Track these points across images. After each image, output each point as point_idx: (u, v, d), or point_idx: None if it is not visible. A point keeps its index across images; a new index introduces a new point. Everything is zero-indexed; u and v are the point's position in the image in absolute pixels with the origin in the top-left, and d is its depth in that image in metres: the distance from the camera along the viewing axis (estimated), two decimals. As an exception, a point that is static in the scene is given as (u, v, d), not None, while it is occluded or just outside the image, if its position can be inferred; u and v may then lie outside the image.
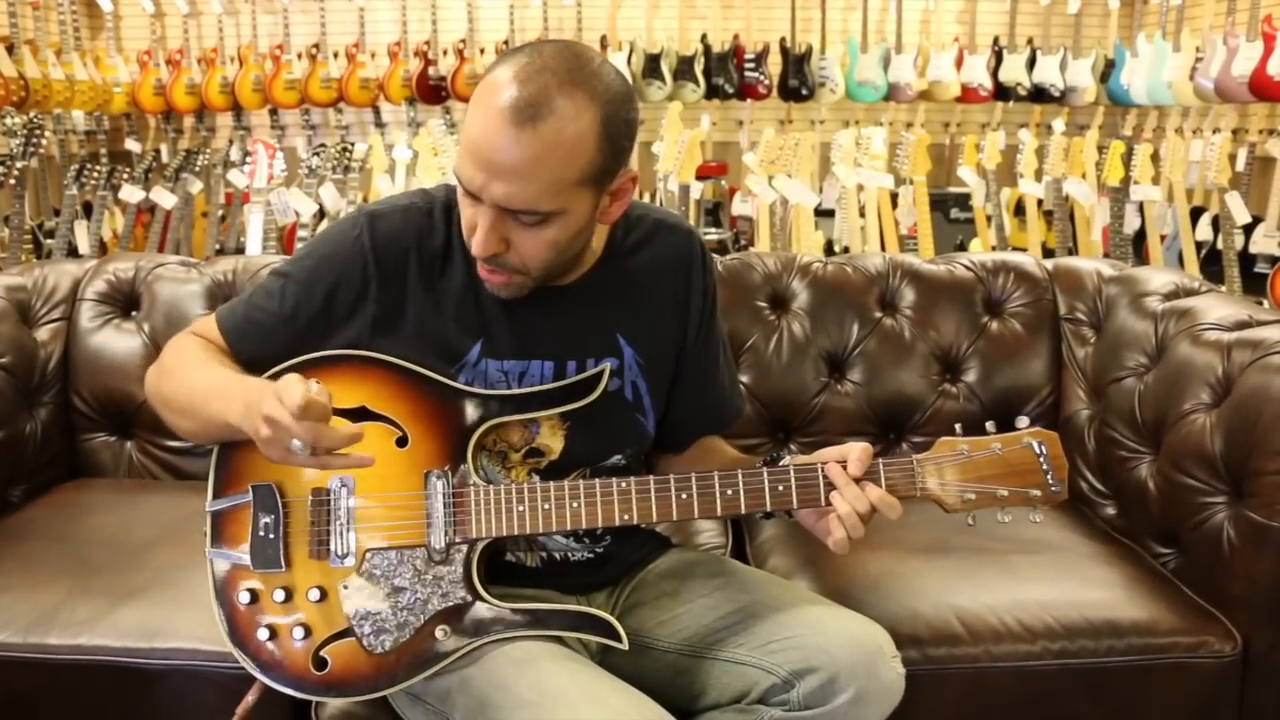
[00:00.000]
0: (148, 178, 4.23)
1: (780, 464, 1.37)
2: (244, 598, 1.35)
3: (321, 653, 1.33)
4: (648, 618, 1.48)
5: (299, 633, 1.33)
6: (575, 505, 1.33)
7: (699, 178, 5.16)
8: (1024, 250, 4.56)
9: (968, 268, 2.23)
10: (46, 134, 3.98)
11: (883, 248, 4.06)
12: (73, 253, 3.94)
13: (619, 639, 1.32)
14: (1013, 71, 5.64)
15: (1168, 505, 1.78)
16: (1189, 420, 1.76)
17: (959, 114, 5.90)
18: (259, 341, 1.42)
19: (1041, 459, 1.34)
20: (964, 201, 5.26)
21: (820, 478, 1.33)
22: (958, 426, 1.37)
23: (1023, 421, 1.37)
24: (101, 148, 5.32)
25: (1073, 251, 4.27)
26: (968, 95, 5.63)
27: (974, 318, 2.18)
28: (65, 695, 1.57)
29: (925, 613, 1.60)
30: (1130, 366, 1.97)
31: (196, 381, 1.37)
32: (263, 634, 1.34)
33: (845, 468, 1.33)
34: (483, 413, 1.36)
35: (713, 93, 5.64)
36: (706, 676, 1.40)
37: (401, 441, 1.35)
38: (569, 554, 1.47)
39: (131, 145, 5.41)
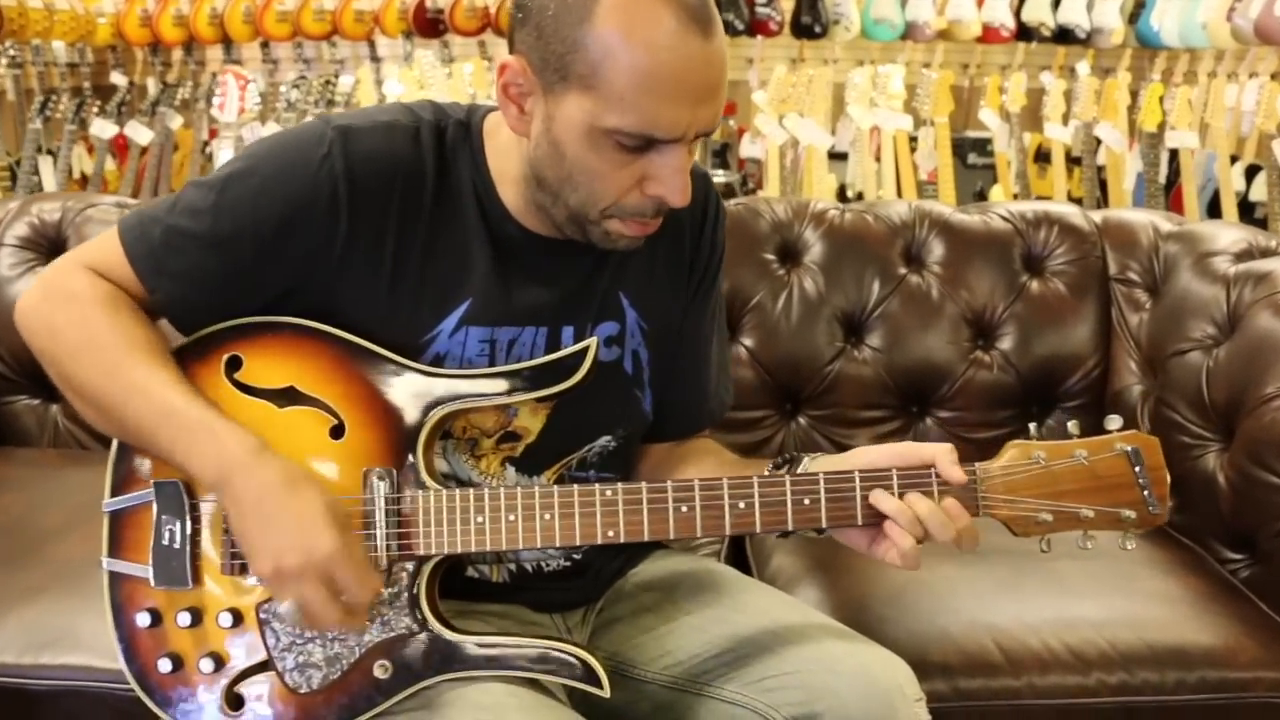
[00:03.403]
0: (121, 111, 3.89)
1: (799, 469, 1.08)
2: (143, 619, 1.07)
3: (236, 689, 1.06)
4: (624, 637, 1.21)
5: (207, 665, 1.06)
6: (547, 517, 1.04)
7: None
8: (1046, 199, 4.21)
9: (1005, 219, 1.91)
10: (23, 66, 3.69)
11: (899, 194, 3.73)
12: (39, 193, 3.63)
13: (599, 685, 1.04)
14: (1036, 11, 5.25)
15: (1242, 504, 1.48)
16: (1273, 406, 1.45)
17: (979, 55, 5.52)
18: (183, 277, 1.08)
19: (1138, 470, 1.04)
20: (982, 146, 4.91)
21: (857, 493, 1.04)
22: (1032, 427, 1.08)
23: (1113, 422, 1.05)
24: (85, 81, 4.98)
25: (1102, 202, 3.92)
26: (989, 35, 5.24)
27: (1011, 276, 1.87)
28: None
29: (957, 634, 1.31)
30: (1196, 338, 1.66)
31: (128, 388, 1.03)
32: (164, 664, 1.07)
33: (893, 480, 1.04)
34: (439, 398, 1.06)
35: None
36: (697, 716, 1.13)
37: (336, 432, 1.07)
38: (542, 564, 1.19)
39: (117, 79, 5.06)
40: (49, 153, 3.78)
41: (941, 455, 1.03)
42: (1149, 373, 1.77)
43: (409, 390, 1.07)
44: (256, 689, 1.06)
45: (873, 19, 5.21)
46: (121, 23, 4.99)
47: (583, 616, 1.24)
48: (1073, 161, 4.17)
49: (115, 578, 1.09)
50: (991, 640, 1.31)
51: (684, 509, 1.04)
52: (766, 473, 1.07)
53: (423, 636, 1.04)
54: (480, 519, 1.04)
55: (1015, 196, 4.11)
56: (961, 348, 1.84)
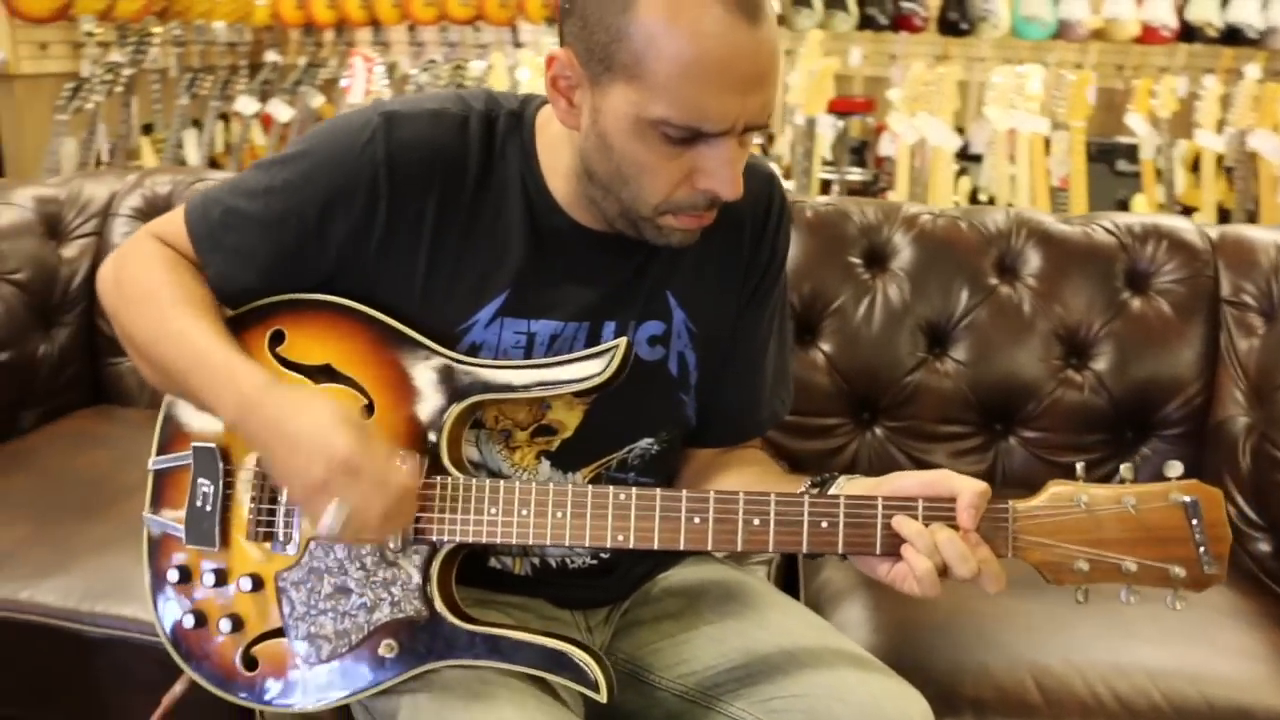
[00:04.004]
0: (265, 90, 4.06)
1: (832, 490, 1.04)
2: (173, 575, 1.12)
3: (252, 651, 1.09)
4: (644, 641, 1.19)
5: (226, 624, 1.09)
6: (559, 515, 1.03)
7: (840, 113, 4.73)
8: (1193, 210, 3.96)
9: (1110, 231, 1.80)
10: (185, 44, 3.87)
11: (1032, 200, 3.58)
12: (181, 165, 3.83)
13: (597, 690, 1.01)
14: (1203, 9, 4.93)
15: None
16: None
17: (1136, 56, 5.24)
18: (234, 255, 1.11)
19: (1195, 525, 0.95)
20: (1134, 153, 4.65)
21: (878, 520, 0.99)
22: (1079, 466, 0.99)
23: (1173, 469, 0.96)
24: (242, 60, 5.22)
25: (1254, 216, 3.67)
26: (1148, 35, 4.96)
27: (1112, 292, 1.76)
28: (7, 653, 1.39)
29: (996, 670, 1.24)
30: (1309, 370, 1.53)
31: (171, 335, 1.07)
32: (189, 620, 1.11)
33: (918, 510, 0.98)
34: (466, 387, 1.06)
35: (865, 23, 5.14)
36: None
37: (366, 412, 1.08)
38: (568, 560, 1.17)
39: (271, 58, 5.29)
40: (196, 125, 3.98)
41: (966, 491, 0.96)
42: (1256, 404, 1.65)
43: (438, 377, 1.07)
44: (269, 653, 1.08)
45: (1022, 16, 5.00)
46: (278, 4, 5.21)
47: (606, 616, 1.22)
48: (1228, 171, 3.91)
49: (153, 531, 1.14)
50: (1032, 679, 1.24)
51: (696, 520, 1.01)
52: (800, 491, 1.03)
53: (430, 622, 1.05)
54: (494, 510, 1.03)
55: (1160, 207, 3.89)
56: (1051, 365, 1.75)
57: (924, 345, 1.78)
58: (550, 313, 1.11)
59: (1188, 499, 0.95)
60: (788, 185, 3.93)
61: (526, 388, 1.07)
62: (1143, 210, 3.82)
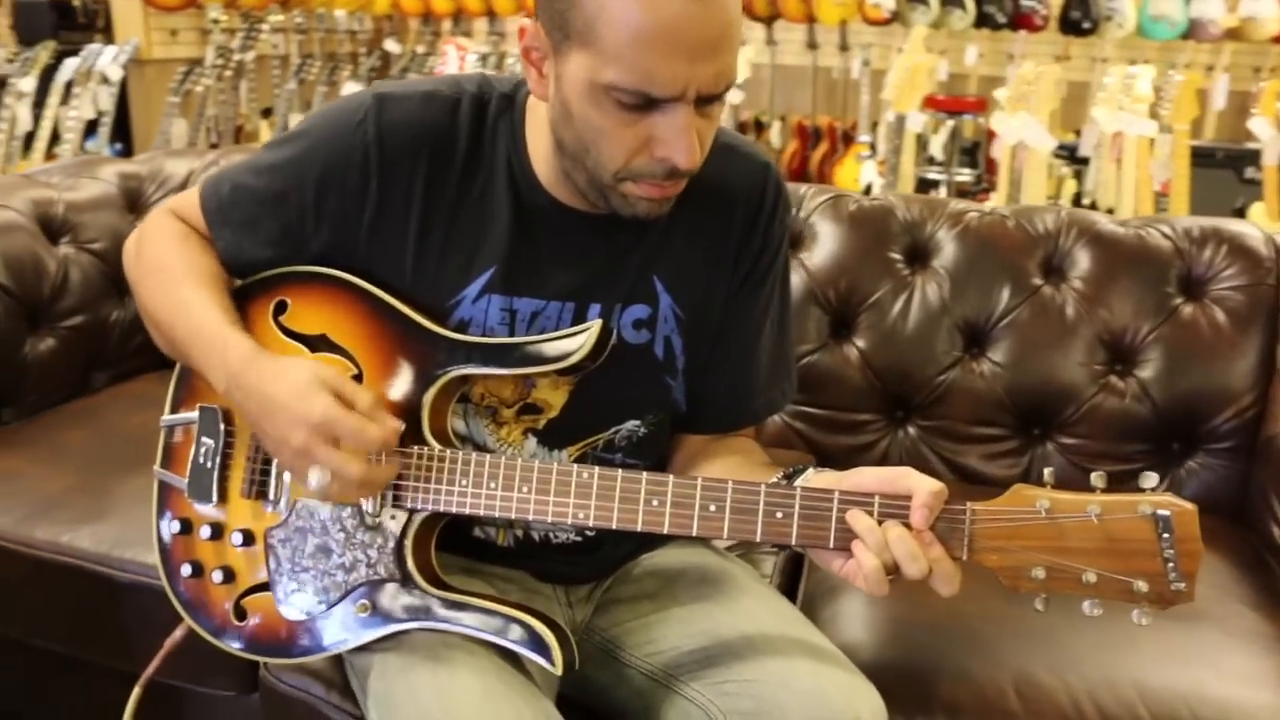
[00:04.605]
0: (371, 77, 4.21)
1: (798, 482, 1.04)
2: (175, 526, 1.19)
3: (242, 602, 1.16)
4: (619, 619, 1.21)
5: (218, 576, 1.16)
6: (525, 491, 1.06)
7: (950, 112, 4.63)
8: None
9: (1166, 235, 1.74)
10: (307, 32, 4.03)
11: (1136, 206, 3.45)
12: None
13: (551, 660, 1.04)
14: (1353, 8, 4.65)
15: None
16: None
17: (1274, 57, 4.96)
18: (240, 229, 1.18)
19: (1164, 539, 0.92)
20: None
21: (833, 514, 0.99)
22: (1047, 472, 0.97)
23: (1148, 480, 0.93)
24: (361, 48, 5.41)
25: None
26: (1288, 36, 4.70)
27: (1162, 298, 1.70)
28: (46, 591, 1.50)
29: (978, 674, 1.22)
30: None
31: (177, 305, 1.15)
32: (186, 569, 1.18)
33: (874, 506, 0.98)
34: (448, 361, 1.11)
35: (983, 21, 5.00)
36: (661, 708, 1.13)
37: (355, 381, 1.12)
38: (550, 535, 1.21)
39: (391, 46, 5.46)
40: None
41: (921, 490, 0.96)
42: (1309, 421, 1.57)
43: (422, 350, 1.11)
44: (258, 606, 1.15)
45: (1150, 16, 4.80)
46: (407, -6, 5.38)
47: (588, 593, 1.25)
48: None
49: (163, 486, 1.22)
50: (1013, 687, 1.21)
51: (654, 503, 1.02)
52: (772, 481, 1.04)
53: (402, 586, 1.09)
54: (465, 482, 1.07)
55: (1283, 217, 3.69)
56: (1093, 371, 1.70)
57: (961, 344, 1.76)
58: (534, 291, 1.13)
59: (1159, 512, 0.92)
60: (879, 183, 3.88)
61: (505, 364, 1.10)
62: (1259, 220, 3.64)
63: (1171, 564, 0.93)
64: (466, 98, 1.14)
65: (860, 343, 1.78)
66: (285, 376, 1.04)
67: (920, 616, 1.34)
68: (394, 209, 1.12)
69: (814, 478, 1.05)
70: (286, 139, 1.17)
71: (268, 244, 1.17)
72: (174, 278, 1.15)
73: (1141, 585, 0.94)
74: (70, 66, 4.01)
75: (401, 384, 1.11)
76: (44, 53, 4.00)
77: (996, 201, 3.61)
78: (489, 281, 1.13)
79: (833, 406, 1.78)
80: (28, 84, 3.91)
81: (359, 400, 1.03)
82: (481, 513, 1.08)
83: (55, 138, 4.07)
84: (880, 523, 0.97)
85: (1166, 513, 0.92)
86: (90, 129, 4.22)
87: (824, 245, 1.82)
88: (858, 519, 0.97)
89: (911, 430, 1.78)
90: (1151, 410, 1.67)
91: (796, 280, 1.79)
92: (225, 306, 1.13)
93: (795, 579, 1.51)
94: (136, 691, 1.27)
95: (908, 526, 0.96)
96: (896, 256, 1.80)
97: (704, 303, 1.18)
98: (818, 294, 1.80)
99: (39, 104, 4.04)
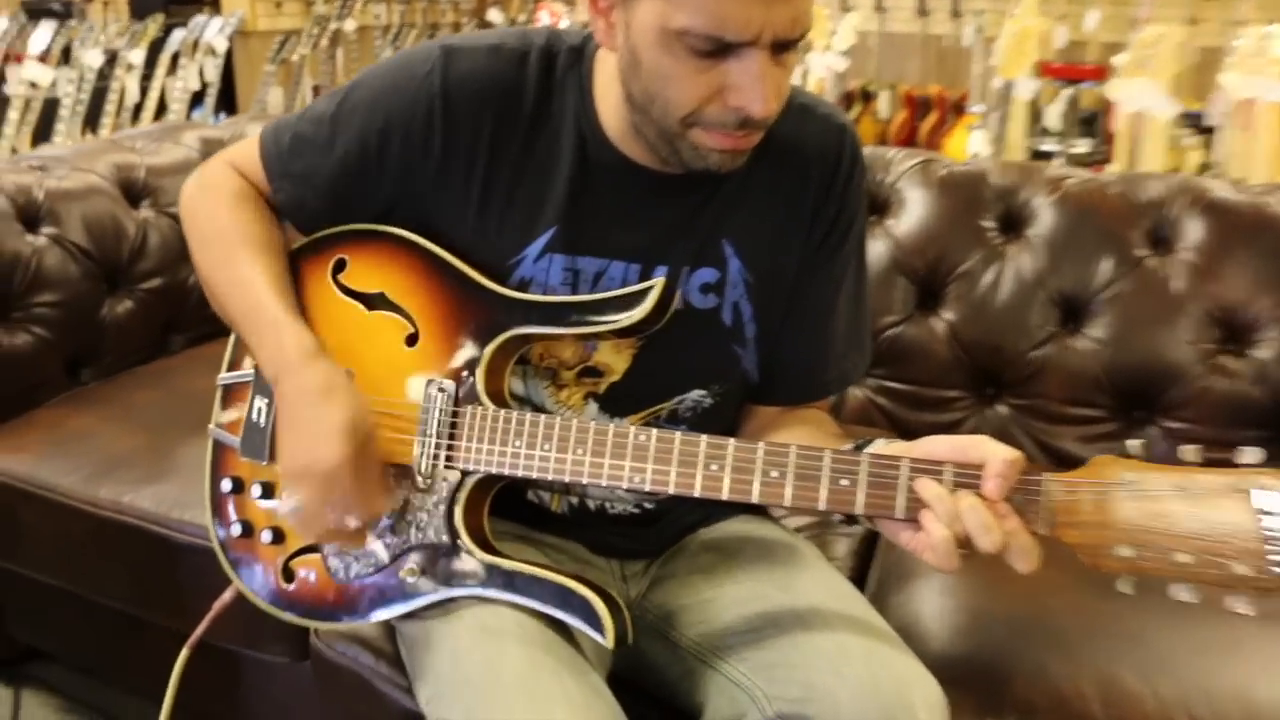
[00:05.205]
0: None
1: (867, 451, 0.98)
2: (227, 485, 1.19)
3: (290, 564, 1.15)
4: (674, 595, 1.17)
5: (267, 536, 1.15)
6: (579, 452, 1.02)
7: (1067, 80, 4.42)
8: None
9: (1292, 202, 1.60)
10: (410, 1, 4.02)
11: (1270, 178, 3.23)
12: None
13: (602, 634, 1.00)
14: None
15: None
16: None
17: None
18: (300, 180, 1.16)
19: (1264, 520, 0.83)
20: None
21: (901, 481, 0.92)
22: (1132, 445, 0.88)
23: (1247, 455, 0.84)
24: (464, 17, 5.43)
25: None
26: None
27: (1283, 271, 1.57)
28: (109, 549, 1.52)
29: (1056, 674, 1.13)
30: None
31: (232, 277, 1.13)
32: (236, 529, 1.18)
33: (945, 474, 0.91)
34: (506, 320, 1.07)
35: (1107, -17, 4.77)
36: (707, 689, 1.08)
37: (411, 340, 1.11)
38: (607, 505, 1.17)
39: (493, 15, 5.47)
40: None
41: (995, 459, 0.88)
42: None
43: (481, 309, 1.08)
44: (305, 568, 1.13)
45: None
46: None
47: (645, 567, 1.21)
48: None
49: (217, 444, 1.21)
50: (1096, 690, 1.11)
51: (714, 467, 0.97)
52: (841, 449, 0.98)
53: (451, 550, 1.06)
54: (518, 443, 1.04)
55: None
56: (1203, 350, 1.58)
57: (1057, 318, 1.66)
58: (597, 250, 1.10)
59: (1260, 492, 0.83)
60: (987, 150, 3.72)
61: (564, 324, 1.06)
62: None
63: (1273, 546, 0.83)
64: (535, 50, 1.11)
65: (948, 314, 1.70)
66: (328, 402, 1.03)
67: (997, 607, 1.25)
68: (458, 163, 1.10)
69: (884, 447, 0.98)
70: (349, 89, 1.15)
71: (329, 195, 1.15)
72: (229, 249, 1.14)
73: (1242, 569, 0.84)
74: (177, 38, 4.11)
75: (458, 343, 1.08)
76: (153, 25, 4.11)
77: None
78: (551, 240, 1.10)
79: (918, 381, 1.72)
80: (136, 56, 4.01)
81: (370, 473, 1.05)
82: (535, 475, 1.04)
83: (163, 109, 4.18)
84: (952, 492, 0.89)
85: (1272, 491, 0.83)
86: (196, 100, 4.33)
87: (912, 212, 1.74)
88: (927, 487, 0.90)
89: (1002, 408, 1.69)
90: (1268, 394, 1.54)
91: (882, 248, 1.73)
92: (284, 286, 1.12)
93: (868, 561, 1.45)
94: (185, 652, 1.27)
95: (981, 497, 0.88)
96: (989, 224, 1.71)
97: (776, 268, 1.13)
98: (904, 263, 1.72)
99: (147, 76, 4.15)
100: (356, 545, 1.09)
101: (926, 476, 0.91)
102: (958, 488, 0.90)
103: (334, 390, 1.04)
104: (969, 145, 4.16)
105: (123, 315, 1.89)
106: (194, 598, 1.44)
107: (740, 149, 1.01)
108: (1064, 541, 0.88)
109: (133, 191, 1.96)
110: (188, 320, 2.00)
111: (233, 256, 1.13)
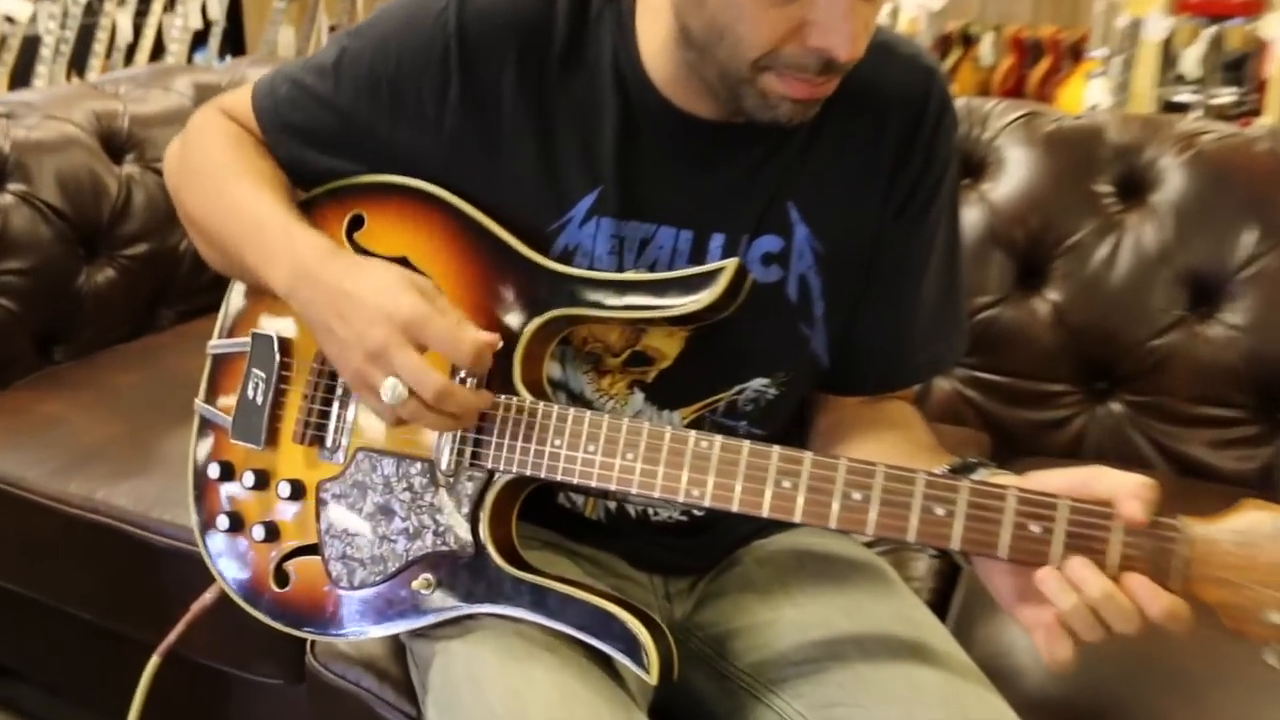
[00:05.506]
0: None
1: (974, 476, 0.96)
2: (214, 470, 1.18)
3: (285, 565, 1.14)
4: (724, 616, 1.16)
5: (259, 532, 1.14)
6: (629, 458, 0.99)
7: (1211, 17, 4.33)
8: None
9: None
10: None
11: None
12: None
13: (645, 667, 0.97)
14: None
15: None
16: None
17: None
18: (302, 133, 1.17)
19: None
20: None
21: (1008, 514, 0.88)
22: None
23: None
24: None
25: None
26: None
27: None
28: (81, 550, 1.54)
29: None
30: None
31: (227, 204, 1.14)
32: (223, 521, 1.17)
33: (1058, 515, 0.87)
34: (550, 298, 1.06)
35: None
36: None
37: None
38: (650, 511, 1.16)
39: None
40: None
41: (1125, 491, 0.85)
42: None
43: (521, 282, 1.07)
44: (301, 570, 1.12)
45: None
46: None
47: (691, 585, 1.20)
48: None
49: (204, 423, 1.21)
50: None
51: (786, 484, 0.94)
52: (936, 472, 0.95)
53: (474, 559, 1.04)
54: (558, 443, 1.01)
55: None
56: (1365, 341, 1.54)
57: (1184, 301, 1.65)
58: (643, 214, 1.08)
59: None
60: (1107, 102, 3.65)
61: (615, 308, 1.04)
62: None
63: None
64: None
65: (1053, 295, 1.70)
66: (369, 271, 1.01)
67: (1106, 642, 1.21)
68: (482, 113, 1.09)
69: (989, 477, 0.95)
70: (354, 33, 1.15)
71: (334, 151, 1.15)
72: (224, 179, 1.14)
73: None
74: (176, -30, 4.15)
75: (490, 322, 1.06)
76: (147, -46, 4.15)
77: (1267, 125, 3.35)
78: (596, 202, 1.08)
79: (1016, 373, 1.72)
80: (128, -12, 4.06)
81: (451, 312, 1.00)
82: (576, 480, 1.01)
83: (160, 50, 4.22)
84: (1070, 541, 0.86)
85: None
86: (199, 40, 4.37)
87: (1012, 173, 1.73)
88: (1046, 580, 0.86)
89: (1116, 407, 1.69)
90: None
91: (976, 216, 1.73)
92: (290, 206, 1.11)
93: (952, 582, 1.43)
94: (155, 660, 1.27)
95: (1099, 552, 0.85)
96: (1105, 189, 1.71)
97: (849, 235, 1.11)
98: (1002, 234, 1.72)
99: (141, 13, 4.19)
100: (479, 402, 1.02)
101: (1038, 523, 0.86)
102: (1076, 530, 0.86)
103: (370, 262, 1.04)
104: (1086, 96, 4.09)
105: (102, 285, 1.91)
106: (174, 607, 1.44)
107: (815, 97, 0.99)
108: (1203, 599, 0.84)
109: (115, 144, 1.98)
110: (178, 292, 2.03)
111: (227, 184, 1.13)
